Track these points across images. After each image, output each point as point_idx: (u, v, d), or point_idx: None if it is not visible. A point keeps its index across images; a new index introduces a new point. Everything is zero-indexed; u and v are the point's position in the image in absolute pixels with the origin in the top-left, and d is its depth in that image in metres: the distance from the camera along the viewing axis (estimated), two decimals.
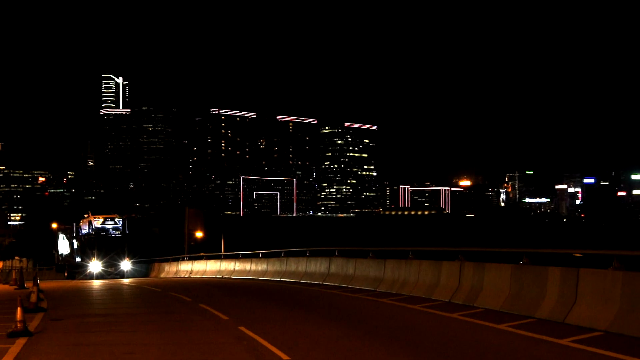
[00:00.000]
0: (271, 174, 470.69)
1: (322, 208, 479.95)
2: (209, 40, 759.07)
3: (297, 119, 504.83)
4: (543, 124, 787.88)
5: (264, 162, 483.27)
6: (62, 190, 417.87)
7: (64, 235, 69.57)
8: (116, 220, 64.26)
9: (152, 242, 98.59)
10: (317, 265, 33.68)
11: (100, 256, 59.98)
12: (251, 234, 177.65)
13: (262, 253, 43.67)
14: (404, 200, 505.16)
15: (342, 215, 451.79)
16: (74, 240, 65.03)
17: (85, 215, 66.39)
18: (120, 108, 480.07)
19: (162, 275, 58.58)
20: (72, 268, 62.95)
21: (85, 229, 64.09)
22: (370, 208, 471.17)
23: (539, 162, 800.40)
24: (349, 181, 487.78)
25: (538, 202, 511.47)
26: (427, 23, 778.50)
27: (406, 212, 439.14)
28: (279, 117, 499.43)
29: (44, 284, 51.97)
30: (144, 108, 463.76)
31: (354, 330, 16.57)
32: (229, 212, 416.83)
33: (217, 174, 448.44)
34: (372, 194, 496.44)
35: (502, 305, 18.43)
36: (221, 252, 65.87)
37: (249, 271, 42.91)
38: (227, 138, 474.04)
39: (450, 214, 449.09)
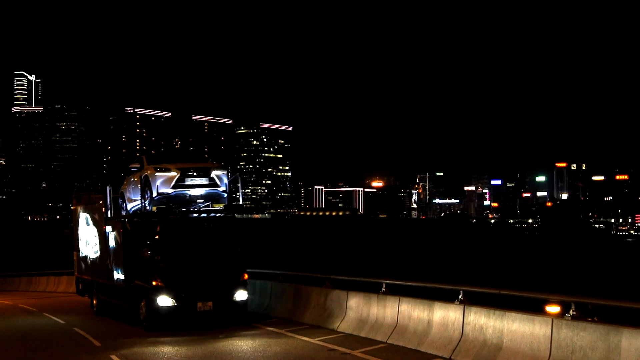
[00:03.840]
0: None
1: None
2: (123, 38, 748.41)
3: (212, 118, 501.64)
4: (452, 126, 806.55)
5: None
6: None
7: (88, 216, 29.52)
8: (214, 174, 22.44)
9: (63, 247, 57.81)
10: (253, 292, 24.96)
11: (173, 268, 21.31)
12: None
13: None
14: (319, 200, 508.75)
15: (257, 216, 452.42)
16: (109, 229, 25.94)
17: (134, 168, 25.77)
18: (33, 106, 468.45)
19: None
20: (106, 293, 25.90)
21: (135, 200, 24.73)
22: (285, 209, 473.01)
23: (448, 163, 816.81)
24: (264, 181, 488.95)
25: (448, 203, 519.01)
26: (338, 22, 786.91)
27: (321, 213, 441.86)
28: (195, 117, 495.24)
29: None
30: (57, 106, 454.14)
31: None
32: None
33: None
34: (287, 194, 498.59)
35: None
36: None
37: None
38: (142, 137, 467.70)
39: (364, 215, 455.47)
